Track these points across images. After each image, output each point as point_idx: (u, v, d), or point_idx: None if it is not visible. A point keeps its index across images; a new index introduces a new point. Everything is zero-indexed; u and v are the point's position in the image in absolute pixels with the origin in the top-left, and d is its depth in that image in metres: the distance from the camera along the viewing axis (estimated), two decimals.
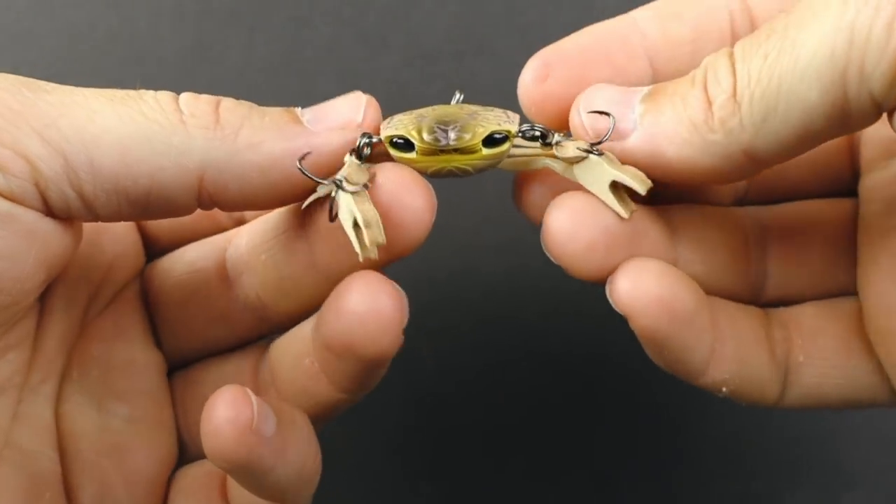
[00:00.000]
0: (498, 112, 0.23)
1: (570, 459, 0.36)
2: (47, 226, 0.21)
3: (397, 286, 0.23)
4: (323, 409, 0.25)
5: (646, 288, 0.22)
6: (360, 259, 0.21)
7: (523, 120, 0.23)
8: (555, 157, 0.23)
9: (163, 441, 0.27)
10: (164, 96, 0.22)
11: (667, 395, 0.36)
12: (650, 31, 0.24)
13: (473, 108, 0.23)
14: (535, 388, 0.36)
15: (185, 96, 0.22)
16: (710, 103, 0.20)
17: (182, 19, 0.38)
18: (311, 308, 0.25)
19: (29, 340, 0.25)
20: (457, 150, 0.22)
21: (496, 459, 0.36)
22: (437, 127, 0.22)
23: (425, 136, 0.22)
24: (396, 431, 0.36)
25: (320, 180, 0.22)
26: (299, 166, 0.22)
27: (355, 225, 0.21)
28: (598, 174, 0.22)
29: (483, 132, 0.22)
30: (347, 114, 0.23)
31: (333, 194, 0.21)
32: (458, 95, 0.24)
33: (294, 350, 0.26)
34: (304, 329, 0.26)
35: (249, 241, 0.26)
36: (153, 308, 0.28)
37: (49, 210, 0.21)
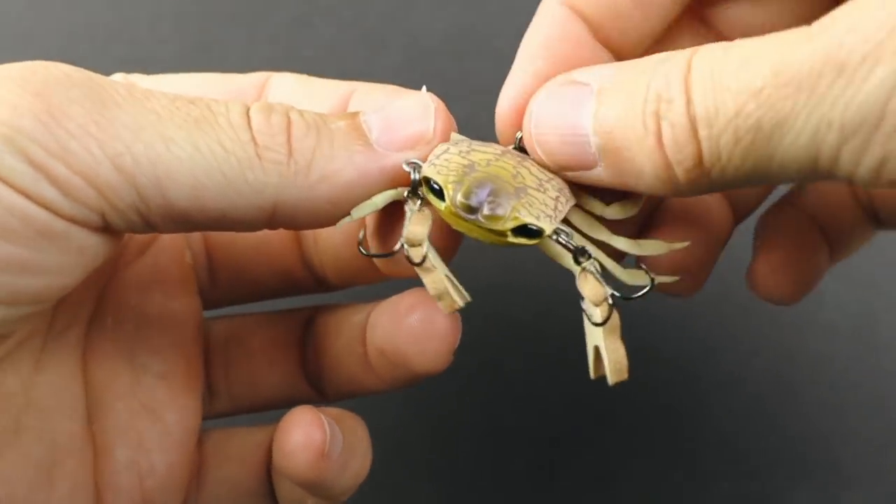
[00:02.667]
0: (552, 193, 0.21)
1: (570, 459, 0.36)
2: (99, 240, 0.21)
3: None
4: (367, 393, 0.26)
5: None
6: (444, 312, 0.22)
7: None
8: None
9: (191, 399, 0.26)
10: (237, 116, 0.21)
11: (666, 396, 0.36)
12: (589, 11, 0.23)
13: (533, 174, 0.21)
14: (534, 388, 0.36)
15: (258, 116, 0.21)
16: (669, 164, 0.19)
17: (182, 19, 0.38)
18: (369, 283, 0.26)
19: None
20: (483, 228, 0.20)
21: (496, 459, 0.36)
22: (476, 190, 0.20)
23: (459, 198, 0.20)
24: (396, 431, 0.36)
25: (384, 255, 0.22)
26: (362, 251, 0.22)
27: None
28: (594, 330, 0.21)
29: (515, 222, 0.20)
30: (418, 126, 0.22)
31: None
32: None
33: (347, 335, 0.26)
34: (358, 316, 0.26)
35: None
36: (211, 251, 0.27)
37: (107, 228, 0.21)
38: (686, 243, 0.23)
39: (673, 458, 0.36)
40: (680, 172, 0.19)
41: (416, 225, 0.21)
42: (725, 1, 0.24)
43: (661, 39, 0.24)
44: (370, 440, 0.25)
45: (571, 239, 0.21)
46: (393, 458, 0.36)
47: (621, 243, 0.22)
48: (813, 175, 0.18)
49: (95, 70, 0.21)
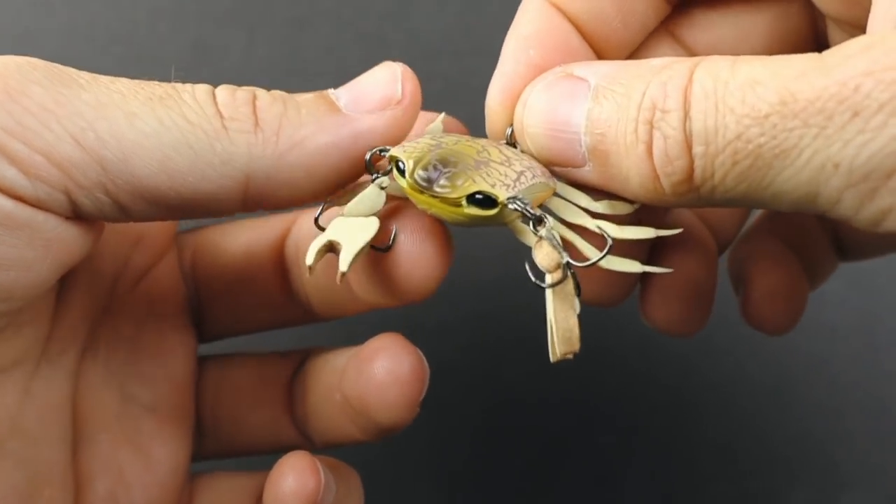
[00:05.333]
0: (517, 168, 0.20)
1: (569, 459, 0.36)
2: (68, 231, 0.20)
3: (421, 356, 0.23)
4: (350, 443, 0.25)
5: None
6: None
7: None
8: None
9: (180, 433, 0.25)
10: (202, 93, 0.20)
11: (666, 396, 0.36)
12: (572, 10, 0.22)
13: (504, 153, 0.21)
14: (534, 388, 0.36)
15: (222, 92, 0.21)
16: (656, 175, 0.19)
17: (182, 19, 0.38)
18: (354, 314, 0.26)
19: (47, 314, 0.23)
20: (439, 198, 0.20)
21: (496, 460, 0.36)
22: (435, 165, 0.20)
23: (418, 172, 0.20)
24: None
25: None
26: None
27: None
28: (565, 300, 0.20)
29: (467, 189, 0.19)
30: (385, 91, 0.21)
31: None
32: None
33: (326, 381, 0.26)
34: (339, 360, 0.25)
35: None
36: (200, 284, 0.27)
37: (76, 214, 0.20)
38: (679, 230, 0.22)
39: (672, 459, 0.36)
40: (667, 185, 0.18)
41: (366, 200, 0.21)
42: (696, 17, 0.24)
43: (639, 48, 0.24)
44: (363, 493, 0.25)
45: (528, 208, 0.20)
46: (393, 458, 0.36)
47: (604, 226, 0.21)
48: (806, 211, 0.17)
49: (96, 70, 0.21)
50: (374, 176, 0.21)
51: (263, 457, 0.27)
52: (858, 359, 0.36)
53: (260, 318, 0.27)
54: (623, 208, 0.21)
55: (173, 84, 0.20)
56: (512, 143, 0.22)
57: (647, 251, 0.24)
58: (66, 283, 0.24)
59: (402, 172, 0.20)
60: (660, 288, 0.24)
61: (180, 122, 0.19)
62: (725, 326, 0.37)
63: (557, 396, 0.36)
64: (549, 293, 0.20)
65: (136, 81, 0.20)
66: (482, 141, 0.21)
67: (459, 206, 0.20)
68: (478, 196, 0.19)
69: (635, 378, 0.36)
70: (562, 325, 0.20)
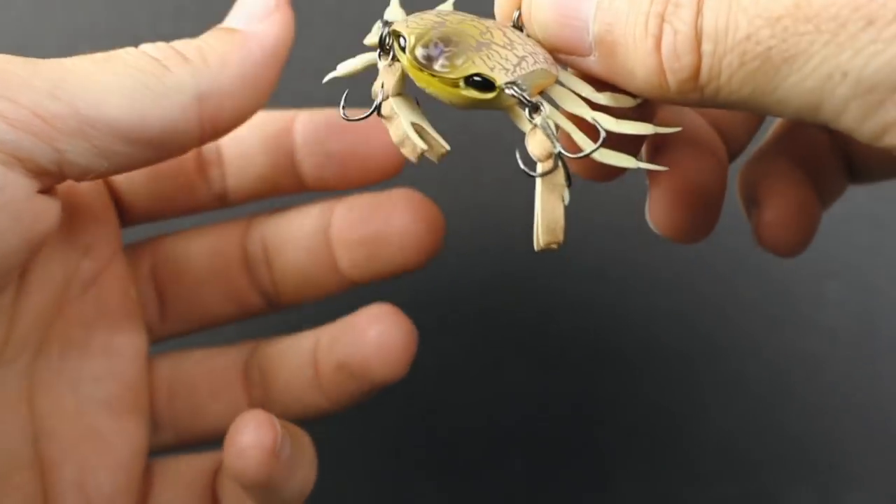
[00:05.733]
0: (519, 52, 0.20)
1: (570, 459, 0.36)
2: (38, 204, 0.22)
3: (411, 323, 0.27)
4: (311, 416, 0.28)
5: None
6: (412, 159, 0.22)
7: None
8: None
9: (139, 427, 0.27)
10: (135, 50, 0.23)
11: (666, 395, 0.36)
12: None
13: (508, 36, 0.20)
14: (534, 388, 0.36)
15: (147, 46, 0.24)
16: (663, 70, 0.18)
17: (182, 19, 0.38)
18: (321, 299, 0.28)
19: (7, 318, 0.25)
20: (437, 78, 0.20)
21: (496, 459, 0.36)
22: (436, 43, 0.20)
23: (419, 49, 0.20)
24: (396, 431, 0.36)
25: (361, 117, 0.22)
26: (343, 115, 0.22)
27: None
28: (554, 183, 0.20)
29: (465, 70, 0.19)
30: (263, 2, 0.25)
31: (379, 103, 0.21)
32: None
33: (295, 361, 0.28)
34: (305, 342, 0.28)
35: (274, 234, 0.28)
36: (162, 285, 0.29)
37: (59, 168, 0.21)
38: (678, 129, 0.21)
39: (673, 459, 0.36)
40: (672, 82, 0.18)
41: (379, 78, 0.21)
42: None
43: None
44: (315, 454, 0.26)
45: (525, 94, 0.20)
46: (393, 458, 0.36)
47: (601, 119, 0.20)
48: (809, 119, 0.17)
49: None
50: (378, 53, 0.22)
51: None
52: (859, 359, 0.36)
53: (224, 312, 0.29)
54: (626, 101, 0.20)
55: (108, 52, 0.23)
56: (519, 26, 0.21)
57: (651, 153, 0.24)
58: (20, 290, 0.25)
59: (403, 49, 0.20)
60: (666, 192, 0.24)
61: (130, 70, 0.22)
62: (726, 326, 0.37)
63: (557, 396, 0.36)
64: (538, 182, 0.20)
65: (81, 56, 0.23)
66: (487, 22, 0.21)
67: (457, 87, 0.20)
68: (476, 78, 0.19)
69: (635, 377, 0.36)
70: (548, 215, 0.20)
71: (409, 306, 0.28)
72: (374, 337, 0.26)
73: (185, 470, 0.28)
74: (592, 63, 0.20)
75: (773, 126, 0.27)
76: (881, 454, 0.36)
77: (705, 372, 0.36)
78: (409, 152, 0.21)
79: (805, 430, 0.36)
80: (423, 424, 0.36)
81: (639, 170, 0.21)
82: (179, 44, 0.24)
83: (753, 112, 0.18)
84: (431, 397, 0.36)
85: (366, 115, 0.22)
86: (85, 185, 0.27)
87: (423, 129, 0.21)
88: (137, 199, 0.28)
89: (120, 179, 0.28)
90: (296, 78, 0.37)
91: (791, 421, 0.36)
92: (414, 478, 0.36)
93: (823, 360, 0.36)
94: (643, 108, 0.21)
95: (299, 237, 0.28)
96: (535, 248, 0.21)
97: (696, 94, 0.18)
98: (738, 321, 0.37)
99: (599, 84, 0.21)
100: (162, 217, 0.29)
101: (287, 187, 0.29)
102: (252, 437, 0.23)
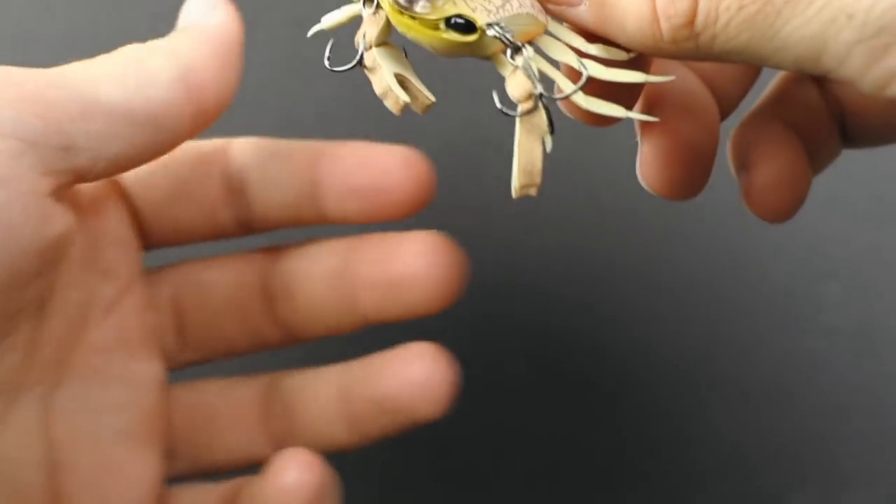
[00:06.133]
0: (514, 3, 0.20)
1: (570, 460, 0.36)
2: (47, 205, 0.22)
3: (453, 361, 0.27)
4: (335, 450, 0.27)
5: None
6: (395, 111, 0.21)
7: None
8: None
9: (154, 457, 0.27)
10: (115, 51, 0.24)
11: (666, 395, 0.36)
12: None
13: None
14: (534, 389, 0.36)
15: (123, 48, 0.25)
16: (656, 17, 0.18)
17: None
18: (340, 335, 0.28)
19: (27, 345, 0.25)
20: (418, 20, 0.19)
21: (496, 459, 0.36)
22: None
23: None
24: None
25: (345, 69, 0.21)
26: (329, 67, 0.22)
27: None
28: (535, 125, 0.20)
29: (446, 11, 0.19)
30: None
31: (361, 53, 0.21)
32: None
33: (323, 394, 0.28)
34: (333, 375, 0.28)
35: (295, 269, 0.28)
36: (181, 312, 0.28)
37: (68, 172, 0.22)
38: (671, 77, 0.21)
39: (672, 459, 0.36)
40: (666, 29, 0.18)
41: (362, 27, 0.21)
42: None
43: None
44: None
45: (507, 35, 0.19)
46: (393, 458, 0.36)
47: (589, 66, 0.20)
48: (809, 69, 0.16)
49: None
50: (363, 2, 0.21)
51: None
52: (859, 359, 0.36)
53: (243, 344, 0.29)
54: (617, 54, 0.20)
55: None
56: None
57: (644, 111, 0.24)
58: (40, 315, 0.25)
59: None
60: (656, 148, 0.23)
61: (117, 60, 0.23)
62: (726, 326, 0.37)
63: (557, 396, 0.36)
64: (517, 122, 0.20)
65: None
66: None
67: (438, 29, 0.19)
68: (458, 21, 0.19)
69: (635, 378, 0.36)
70: (524, 156, 0.20)
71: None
72: (418, 374, 0.26)
73: (200, 499, 0.27)
74: (583, 13, 0.20)
75: (766, 88, 0.27)
76: (880, 454, 0.36)
77: (705, 372, 0.36)
78: (391, 104, 0.21)
79: (805, 430, 0.36)
80: (424, 424, 0.36)
81: (629, 119, 0.21)
82: (151, 42, 0.25)
83: (750, 63, 0.18)
84: None
85: (350, 65, 0.21)
86: (105, 206, 0.27)
87: (406, 80, 0.21)
88: (159, 222, 0.28)
89: (141, 201, 0.28)
90: (295, 77, 0.37)
91: (791, 421, 0.36)
92: (414, 478, 0.36)
93: (823, 361, 0.36)
94: (635, 64, 0.20)
95: (321, 275, 0.28)
96: (513, 194, 0.20)
97: (690, 42, 0.18)
98: (738, 321, 0.37)
99: (591, 37, 0.20)
100: (183, 242, 0.29)
101: (309, 219, 0.28)
102: (295, 475, 0.24)
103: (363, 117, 0.36)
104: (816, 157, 0.26)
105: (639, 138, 0.24)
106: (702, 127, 0.24)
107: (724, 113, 0.25)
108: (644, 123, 0.23)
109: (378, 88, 0.21)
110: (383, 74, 0.20)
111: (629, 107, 0.22)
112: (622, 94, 0.21)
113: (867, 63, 0.16)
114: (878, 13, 0.15)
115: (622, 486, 0.36)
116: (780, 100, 0.26)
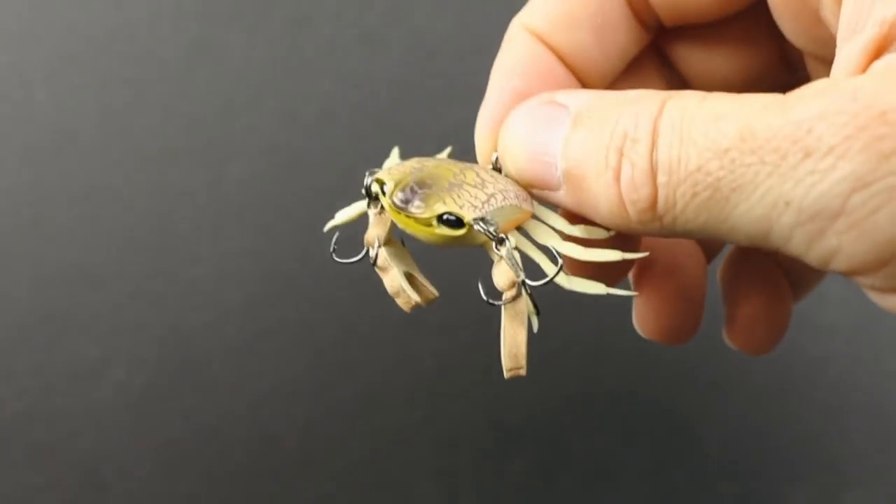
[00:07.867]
0: (489, 190, 0.21)
1: (570, 460, 0.36)
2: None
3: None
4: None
5: None
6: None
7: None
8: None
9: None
10: None
11: (667, 396, 0.36)
12: (554, 41, 0.23)
13: (481, 176, 0.22)
14: (535, 388, 0.36)
15: None
16: (623, 202, 0.19)
17: (182, 19, 0.38)
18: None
19: None
20: (413, 218, 0.21)
21: (496, 459, 0.36)
22: (413, 187, 0.21)
23: (396, 194, 0.21)
24: (396, 431, 0.36)
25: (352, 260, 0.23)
26: (335, 258, 0.23)
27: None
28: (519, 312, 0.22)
29: (437, 210, 0.21)
30: None
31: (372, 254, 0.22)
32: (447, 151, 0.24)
33: None
34: None
35: None
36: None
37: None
38: (645, 254, 0.23)
39: (673, 459, 0.36)
40: (632, 212, 0.19)
41: (371, 228, 0.22)
42: (680, 43, 0.25)
43: (625, 73, 0.25)
44: None
45: (490, 229, 0.21)
46: (393, 458, 0.36)
47: (570, 249, 0.22)
48: (761, 245, 0.18)
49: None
50: (368, 203, 0.23)
51: None
52: (859, 359, 0.36)
53: None
54: (599, 234, 0.22)
55: None
56: (498, 168, 0.23)
57: (633, 265, 0.25)
58: None
59: (384, 194, 0.22)
60: (649, 299, 0.25)
61: None
62: None
63: (557, 396, 0.36)
64: (502, 310, 0.22)
65: None
66: (465, 165, 0.22)
67: (431, 226, 0.21)
68: (448, 217, 0.21)
69: (635, 378, 0.36)
70: (509, 341, 0.22)
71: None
72: None
73: None
74: (562, 196, 0.21)
75: None
76: (880, 454, 0.36)
77: (705, 372, 0.36)
78: (402, 303, 0.22)
79: (805, 429, 0.36)
80: (424, 424, 0.36)
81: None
82: None
83: (711, 239, 0.19)
84: (432, 397, 0.36)
85: (356, 258, 0.22)
86: None
87: (413, 276, 0.22)
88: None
89: None
90: (295, 77, 0.37)
91: (791, 420, 0.36)
92: (414, 478, 0.36)
93: (824, 360, 0.36)
94: (621, 238, 0.22)
95: None
96: (505, 375, 0.22)
97: (655, 223, 0.19)
98: None
99: (575, 218, 0.22)
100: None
101: None
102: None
103: (363, 117, 0.36)
104: (804, 286, 0.27)
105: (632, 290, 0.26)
106: (689, 278, 0.25)
107: (711, 254, 0.27)
108: (636, 279, 0.25)
109: (390, 288, 0.22)
110: (395, 276, 0.22)
111: (624, 273, 0.24)
112: (612, 266, 0.22)
113: (807, 243, 0.17)
114: (811, 200, 0.16)
115: (622, 486, 0.36)
116: None
